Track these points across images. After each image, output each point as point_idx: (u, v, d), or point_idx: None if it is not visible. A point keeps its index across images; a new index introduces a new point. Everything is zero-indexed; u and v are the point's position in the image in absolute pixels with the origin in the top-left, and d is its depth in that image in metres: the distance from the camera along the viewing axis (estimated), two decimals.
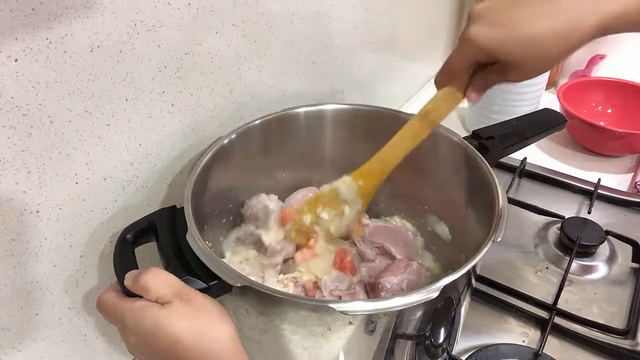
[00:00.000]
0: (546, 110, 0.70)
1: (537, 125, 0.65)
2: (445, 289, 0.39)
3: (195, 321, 0.36)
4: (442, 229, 0.62)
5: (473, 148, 0.55)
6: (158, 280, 0.38)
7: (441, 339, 0.49)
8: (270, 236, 0.55)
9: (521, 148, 0.63)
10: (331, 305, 0.37)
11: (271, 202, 0.57)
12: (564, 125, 0.67)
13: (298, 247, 0.57)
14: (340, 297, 0.53)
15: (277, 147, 0.62)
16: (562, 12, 0.39)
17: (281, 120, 0.60)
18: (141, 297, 0.38)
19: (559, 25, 0.39)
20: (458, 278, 0.40)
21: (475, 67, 0.45)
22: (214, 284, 0.40)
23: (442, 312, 0.45)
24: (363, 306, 0.38)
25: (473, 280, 0.49)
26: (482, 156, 0.53)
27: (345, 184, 0.54)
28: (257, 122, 0.58)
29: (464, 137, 0.57)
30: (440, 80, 0.48)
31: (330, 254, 0.58)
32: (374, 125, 0.60)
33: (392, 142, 0.51)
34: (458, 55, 0.45)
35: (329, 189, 0.55)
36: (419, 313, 0.42)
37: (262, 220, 0.56)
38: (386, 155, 0.52)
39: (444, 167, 0.59)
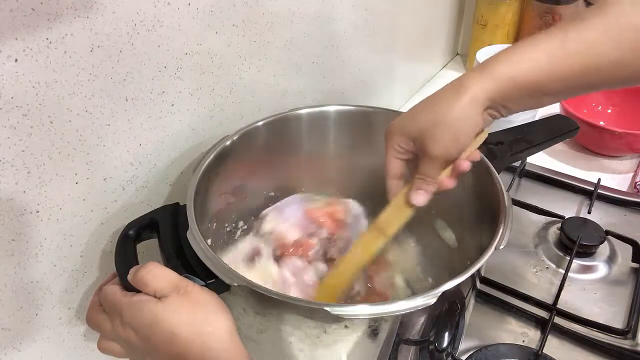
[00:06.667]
0: (558, 116, 0.70)
1: (548, 132, 0.64)
2: (447, 294, 0.39)
3: (192, 315, 0.36)
4: (449, 235, 0.61)
5: (480, 153, 0.54)
6: (156, 273, 0.38)
7: (445, 344, 0.49)
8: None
9: (530, 155, 0.62)
10: (326, 308, 0.37)
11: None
12: (575, 133, 0.66)
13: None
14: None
15: (280, 148, 0.62)
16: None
17: (284, 122, 0.60)
18: (140, 292, 0.38)
19: (450, 93, 0.44)
20: (460, 283, 0.40)
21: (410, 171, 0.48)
22: (212, 283, 0.40)
23: (446, 316, 0.45)
24: (358, 310, 0.38)
25: (478, 284, 0.49)
26: (489, 162, 0.53)
27: None
28: (260, 123, 0.58)
29: None
30: (389, 188, 0.49)
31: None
32: (377, 126, 0.60)
33: (346, 259, 0.51)
34: (386, 153, 0.48)
35: None
36: (422, 318, 0.42)
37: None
38: (340, 271, 0.52)
39: None
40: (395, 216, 0.49)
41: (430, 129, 0.44)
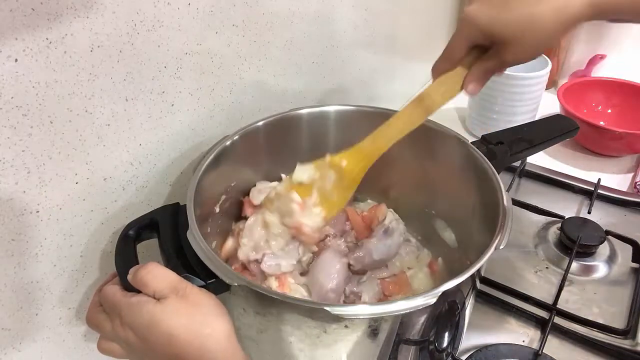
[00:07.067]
0: (558, 116, 0.70)
1: (548, 132, 0.64)
2: (447, 294, 0.39)
3: (190, 317, 0.36)
4: (449, 235, 0.62)
5: (480, 153, 0.54)
6: (156, 274, 0.38)
7: (445, 344, 0.49)
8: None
9: (530, 155, 0.62)
10: (326, 308, 0.37)
11: None
12: (575, 133, 0.66)
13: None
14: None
15: (280, 148, 0.62)
16: None
17: (284, 121, 0.60)
18: (140, 292, 0.38)
19: (553, 2, 0.40)
20: (460, 283, 0.40)
21: (473, 56, 0.45)
22: (212, 283, 0.40)
23: (446, 316, 0.45)
24: (358, 310, 0.38)
25: (478, 284, 0.49)
26: (489, 162, 0.53)
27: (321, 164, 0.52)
28: (261, 123, 0.58)
29: (472, 142, 0.57)
30: (439, 67, 0.47)
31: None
32: (378, 126, 0.60)
33: (384, 126, 0.50)
34: (457, 37, 0.45)
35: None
36: (422, 318, 0.42)
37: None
38: (376, 137, 0.50)
39: (451, 171, 0.59)
40: (441, 96, 0.47)
41: (519, 36, 0.41)
